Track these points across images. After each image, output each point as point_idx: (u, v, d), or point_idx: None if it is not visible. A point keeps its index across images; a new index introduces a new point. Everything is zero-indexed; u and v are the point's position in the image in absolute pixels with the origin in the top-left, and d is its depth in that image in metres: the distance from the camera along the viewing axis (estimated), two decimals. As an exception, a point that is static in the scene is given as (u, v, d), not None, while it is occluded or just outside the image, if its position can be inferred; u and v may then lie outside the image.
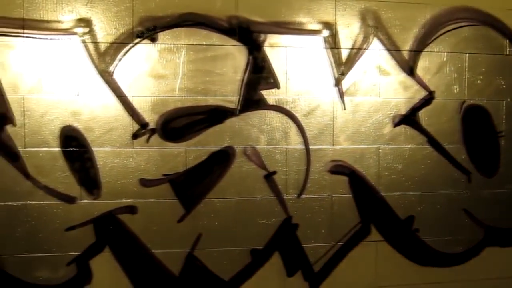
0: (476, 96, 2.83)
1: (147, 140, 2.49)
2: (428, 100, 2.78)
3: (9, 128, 2.38)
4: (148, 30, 2.46)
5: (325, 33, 2.65)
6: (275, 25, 2.59)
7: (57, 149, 2.42)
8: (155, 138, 2.50)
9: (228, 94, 2.55)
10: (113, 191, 2.48)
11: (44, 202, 2.42)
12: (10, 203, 2.40)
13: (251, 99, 2.58)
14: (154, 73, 2.48)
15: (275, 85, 2.61)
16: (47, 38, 2.39)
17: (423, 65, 2.76)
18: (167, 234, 2.54)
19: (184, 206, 2.55)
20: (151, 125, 2.49)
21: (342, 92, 2.68)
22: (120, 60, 2.44)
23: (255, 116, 2.60)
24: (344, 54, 2.67)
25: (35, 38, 2.38)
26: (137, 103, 2.48)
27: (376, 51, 2.70)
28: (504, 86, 2.87)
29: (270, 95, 2.61)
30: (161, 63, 2.49)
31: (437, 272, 2.85)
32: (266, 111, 2.61)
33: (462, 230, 2.88)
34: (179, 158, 2.53)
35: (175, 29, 2.48)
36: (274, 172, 2.64)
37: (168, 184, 2.53)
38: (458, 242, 2.88)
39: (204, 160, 2.56)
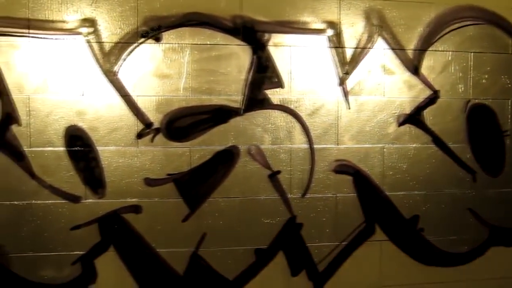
0: (481, 95, 2.82)
1: (152, 140, 2.50)
2: (432, 99, 2.77)
3: (14, 128, 2.39)
4: (152, 30, 2.46)
5: (330, 32, 2.64)
6: (279, 25, 2.58)
7: (62, 148, 2.43)
8: (160, 137, 2.50)
9: (232, 93, 2.55)
10: (118, 190, 2.49)
11: (49, 201, 2.43)
12: (15, 202, 2.41)
13: (256, 99, 2.58)
14: (159, 73, 2.49)
15: (279, 84, 2.61)
16: (52, 38, 2.40)
17: (427, 64, 2.75)
18: (171, 233, 2.54)
19: (189, 205, 2.56)
20: (156, 125, 2.50)
21: (346, 92, 2.68)
22: (124, 59, 2.45)
23: (260, 116, 2.60)
24: (349, 53, 2.67)
25: (40, 38, 2.39)
26: (141, 103, 2.48)
27: (380, 50, 2.70)
28: (509, 85, 2.86)
29: (274, 95, 2.60)
30: (165, 63, 2.49)
31: (442, 272, 2.84)
32: (270, 110, 2.61)
33: (467, 229, 2.87)
34: (183, 158, 2.53)
35: (179, 29, 2.49)
36: (279, 172, 2.64)
37: (172, 183, 2.53)
38: (463, 241, 2.87)
39: (209, 159, 2.56)
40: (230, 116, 2.57)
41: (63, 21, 2.41)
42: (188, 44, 2.50)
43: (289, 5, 2.59)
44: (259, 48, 2.57)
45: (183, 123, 2.52)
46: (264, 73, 2.58)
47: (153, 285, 2.54)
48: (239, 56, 2.55)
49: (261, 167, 2.62)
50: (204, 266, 2.59)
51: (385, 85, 2.72)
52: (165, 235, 2.53)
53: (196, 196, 2.56)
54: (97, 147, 2.45)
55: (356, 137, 2.70)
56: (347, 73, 2.68)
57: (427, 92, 2.76)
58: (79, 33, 2.42)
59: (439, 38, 2.75)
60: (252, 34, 2.55)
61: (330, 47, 2.65)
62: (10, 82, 2.37)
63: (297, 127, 2.64)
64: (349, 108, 2.69)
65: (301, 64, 2.62)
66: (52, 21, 2.39)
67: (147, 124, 2.49)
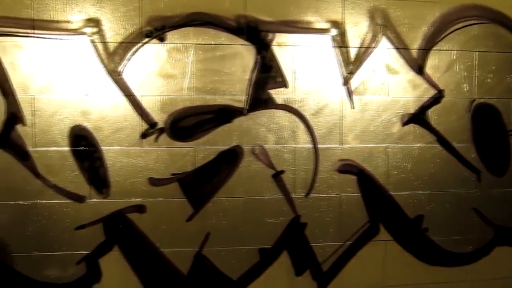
0: (486, 94, 2.81)
1: (156, 140, 2.50)
2: (437, 98, 2.76)
3: (19, 128, 2.40)
4: (156, 30, 2.46)
5: (334, 32, 2.64)
6: (283, 24, 2.58)
7: (67, 148, 2.44)
8: (164, 137, 2.51)
9: (236, 93, 2.56)
10: (122, 190, 2.49)
11: (54, 201, 2.44)
12: (20, 202, 2.42)
13: (260, 98, 2.58)
14: (163, 73, 2.49)
15: (284, 84, 2.61)
16: (56, 38, 2.40)
17: (432, 63, 2.74)
18: (175, 233, 2.54)
19: (193, 205, 2.56)
20: (160, 125, 2.50)
21: (350, 91, 2.67)
22: (129, 59, 2.46)
23: (264, 115, 2.60)
24: (353, 53, 2.66)
25: (45, 38, 2.39)
26: (146, 103, 2.49)
27: (384, 50, 2.69)
28: (514, 85, 2.86)
29: (278, 94, 2.60)
30: (169, 63, 2.49)
31: (446, 272, 2.83)
32: (274, 110, 2.61)
33: (471, 229, 2.86)
34: (187, 157, 2.54)
35: (183, 29, 2.49)
36: (282, 171, 2.63)
37: (176, 183, 2.54)
38: (468, 241, 2.86)
39: (213, 159, 2.56)
40: (234, 116, 2.57)
41: (68, 21, 2.41)
42: (192, 44, 2.50)
43: (293, 4, 2.59)
44: (263, 48, 2.57)
45: (187, 123, 2.53)
46: (268, 73, 2.58)
47: (158, 285, 2.55)
48: (243, 56, 2.55)
49: (265, 166, 2.62)
50: (208, 266, 2.59)
51: (389, 85, 2.71)
52: (169, 235, 2.54)
53: (200, 195, 2.56)
54: (101, 147, 2.46)
55: (360, 136, 2.70)
56: (351, 73, 2.67)
57: (432, 92, 2.76)
58: (84, 33, 2.42)
59: (443, 37, 2.75)
60: (256, 34, 2.55)
61: (334, 46, 2.64)
62: (15, 82, 2.38)
63: (301, 126, 2.64)
64: (353, 108, 2.69)
65: (305, 63, 2.62)
66: (57, 22, 2.40)
67: (152, 124, 2.50)
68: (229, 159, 2.58)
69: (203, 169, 2.55)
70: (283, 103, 2.61)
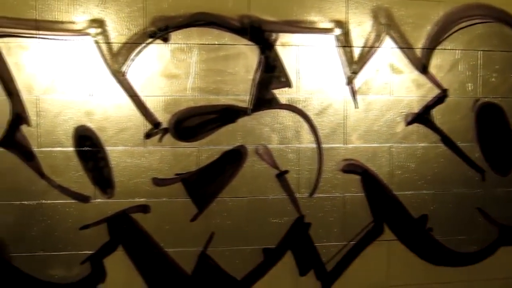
0: (490, 93, 2.80)
1: (160, 140, 2.51)
2: (441, 98, 2.76)
3: (24, 128, 2.41)
4: (160, 30, 2.47)
5: (337, 31, 2.64)
6: (287, 24, 2.58)
7: (71, 148, 2.45)
8: (168, 137, 2.51)
9: (240, 93, 2.56)
10: (126, 190, 2.50)
11: (59, 201, 2.45)
12: (25, 202, 2.43)
13: (263, 98, 2.58)
14: (167, 73, 2.50)
15: (287, 84, 2.60)
16: (60, 39, 2.41)
17: (436, 63, 2.74)
18: (179, 233, 2.55)
19: (197, 205, 2.56)
20: (164, 125, 2.51)
21: (354, 91, 2.67)
22: (132, 60, 2.46)
23: (267, 115, 2.60)
24: (356, 52, 2.66)
25: (49, 39, 2.40)
26: (149, 103, 2.49)
27: (388, 49, 2.68)
28: (518, 84, 2.85)
29: (282, 94, 2.60)
30: (173, 63, 2.50)
31: (451, 272, 2.83)
32: (278, 110, 2.61)
33: (476, 229, 2.85)
34: (191, 157, 2.54)
35: (187, 29, 2.49)
36: (286, 171, 2.63)
37: (180, 183, 2.54)
38: (472, 241, 2.85)
39: (217, 159, 2.56)
40: (238, 116, 2.57)
41: (72, 22, 2.42)
42: (196, 44, 2.50)
43: (296, 4, 2.59)
44: (266, 48, 2.56)
45: (191, 123, 2.53)
46: (271, 73, 2.58)
47: (162, 285, 2.55)
48: (247, 56, 2.55)
49: (269, 166, 2.62)
50: (212, 266, 2.59)
51: (393, 84, 2.71)
52: (173, 235, 2.54)
53: (204, 195, 2.57)
54: (105, 147, 2.47)
55: (364, 136, 2.69)
56: (355, 72, 2.67)
57: (436, 91, 2.75)
58: (88, 34, 2.43)
59: (447, 37, 2.74)
60: (259, 34, 2.55)
61: (337, 46, 2.64)
62: (20, 83, 2.38)
63: (305, 126, 2.64)
64: (357, 108, 2.68)
65: (309, 63, 2.61)
66: (61, 22, 2.41)
67: (155, 124, 2.50)
68: (233, 159, 2.58)
69: (207, 169, 2.55)
70: (287, 103, 2.61)
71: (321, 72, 2.63)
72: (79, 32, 2.43)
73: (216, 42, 2.52)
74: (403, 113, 2.73)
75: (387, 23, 2.67)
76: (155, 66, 2.48)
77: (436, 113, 2.76)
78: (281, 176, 2.63)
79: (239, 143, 2.58)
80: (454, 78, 2.76)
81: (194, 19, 2.49)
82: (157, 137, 2.51)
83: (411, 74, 2.72)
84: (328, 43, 2.63)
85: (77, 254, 2.48)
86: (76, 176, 2.46)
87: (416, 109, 2.74)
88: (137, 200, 2.51)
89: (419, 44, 2.71)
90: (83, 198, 2.47)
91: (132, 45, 2.45)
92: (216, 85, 2.53)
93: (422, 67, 2.73)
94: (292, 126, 2.62)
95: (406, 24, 2.69)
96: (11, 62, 2.37)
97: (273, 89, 2.59)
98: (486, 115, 2.81)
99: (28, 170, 2.42)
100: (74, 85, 2.43)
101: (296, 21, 2.59)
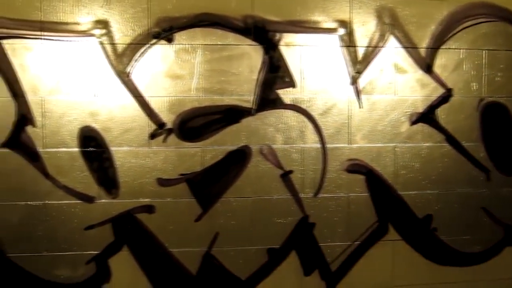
0: (495, 93, 2.79)
1: (164, 140, 2.51)
2: (445, 97, 2.75)
3: (29, 129, 2.42)
4: (164, 31, 2.47)
5: (341, 31, 2.63)
6: (291, 24, 2.58)
7: (76, 149, 2.45)
8: (172, 138, 2.52)
9: (244, 93, 2.56)
10: (131, 190, 2.50)
11: (64, 201, 2.46)
12: (30, 202, 2.44)
13: (267, 98, 2.58)
14: (171, 73, 2.50)
15: (291, 84, 2.60)
16: (65, 40, 2.42)
17: (440, 62, 2.73)
18: (184, 233, 2.55)
19: (201, 205, 2.57)
20: (168, 125, 2.51)
21: (358, 91, 2.67)
22: (137, 61, 2.47)
23: (271, 115, 2.60)
24: (360, 52, 2.66)
25: (54, 40, 2.41)
26: (154, 103, 2.49)
27: (392, 49, 2.68)
28: (523, 83, 2.84)
29: (286, 94, 2.60)
30: (177, 64, 2.50)
31: (456, 272, 2.82)
32: (282, 110, 2.61)
33: (481, 229, 2.84)
34: (196, 158, 2.54)
35: (191, 30, 2.50)
36: (291, 171, 2.63)
37: (185, 183, 2.54)
38: (477, 241, 2.84)
39: (221, 159, 2.57)
40: (242, 116, 2.57)
41: (76, 23, 2.43)
42: (200, 44, 2.51)
43: (300, 4, 2.59)
44: (270, 48, 2.57)
45: (195, 124, 2.53)
46: (275, 73, 2.58)
47: (166, 285, 2.56)
48: (251, 56, 2.55)
49: (273, 166, 2.62)
50: (217, 266, 2.59)
51: (397, 84, 2.70)
52: (178, 235, 2.55)
53: (208, 196, 2.57)
54: (110, 148, 2.47)
55: (368, 136, 2.69)
56: (359, 72, 2.67)
57: (440, 91, 2.74)
58: (92, 35, 2.44)
59: (451, 36, 2.73)
60: (263, 34, 2.56)
61: (341, 46, 2.64)
62: (25, 84, 2.39)
63: (309, 126, 2.63)
64: (361, 107, 2.68)
65: (313, 63, 2.61)
66: (66, 23, 2.42)
67: (160, 125, 2.51)
68: (237, 159, 2.58)
69: (211, 169, 2.56)
70: (291, 103, 2.61)
71: (325, 72, 2.63)
72: (84, 33, 2.43)
73: (220, 43, 2.53)
74: (407, 113, 2.72)
75: (391, 23, 2.67)
76: (160, 66, 2.49)
77: (441, 113, 2.75)
78: (286, 176, 2.63)
79: (244, 143, 2.58)
80: (459, 77, 2.75)
81: (198, 19, 2.50)
82: (161, 137, 2.51)
83: (415, 73, 2.72)
84: (332, 43, 2.63)
85: (82, 255, 2.49)
86: (81, 177, 2.46)
87: (420, 109, 2.73)
88: (142, 200, 2.52)
89: (423, 43, 2.70)
90: (88, 199, 2.47)
91: (136, 45, 2.46)
92: (220, 85, 2.54)
93: (427, 66, 2.72)
94: (297, 126, 2.62)
95: (410, 23, 2.68)
96: (16, 63, 2.38)
97: (277, 89, 2.59)
98: (491, 114, 2.80)
99: (33, 170, 2.43)
100: (79, 86, 2.44)
101: (300, 21, 2.59)
